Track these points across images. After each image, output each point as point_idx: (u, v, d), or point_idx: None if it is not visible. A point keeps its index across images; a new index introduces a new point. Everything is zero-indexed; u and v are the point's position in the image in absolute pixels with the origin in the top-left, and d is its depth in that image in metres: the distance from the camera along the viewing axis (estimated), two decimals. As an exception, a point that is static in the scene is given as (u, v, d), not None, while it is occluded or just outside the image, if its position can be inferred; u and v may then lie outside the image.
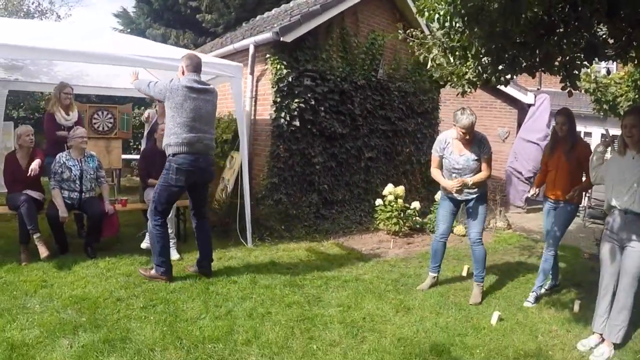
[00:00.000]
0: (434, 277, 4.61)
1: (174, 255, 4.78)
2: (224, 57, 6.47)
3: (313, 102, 6.32)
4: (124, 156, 8.98)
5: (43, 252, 4.39)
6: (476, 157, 4.12)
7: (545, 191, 4.48)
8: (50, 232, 4.79)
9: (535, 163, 8.98)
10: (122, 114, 8.09)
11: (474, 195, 4.21)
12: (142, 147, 7.07)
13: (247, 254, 5.23)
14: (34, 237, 4.42)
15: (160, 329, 3.28)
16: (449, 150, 4.21)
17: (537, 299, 4.35)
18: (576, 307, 4.21)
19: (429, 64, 4.76)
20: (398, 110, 7.70)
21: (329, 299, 4.17)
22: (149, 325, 3.32)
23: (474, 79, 4.75)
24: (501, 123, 10.65)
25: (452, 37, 4.19)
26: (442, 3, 3.56)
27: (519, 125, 10.18)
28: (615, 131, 3.84)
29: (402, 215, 6.82)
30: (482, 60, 4.10)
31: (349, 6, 6.54)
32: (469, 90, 5.05)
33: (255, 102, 6.27)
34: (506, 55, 3.89)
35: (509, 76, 4.53)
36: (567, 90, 3.97)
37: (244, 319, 3.57)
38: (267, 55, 6.06)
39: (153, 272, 4.17)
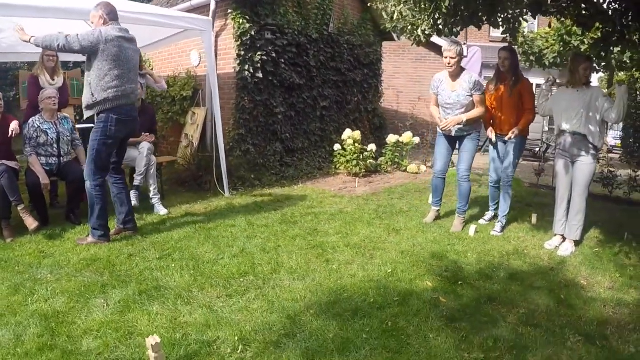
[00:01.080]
0: (437, 210, 4.85)
1: (162, 210, 4.72)
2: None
3: (274, 55, 6.37)
4: (78, 126, 8.32)
5: (31, 223, 4.01)
6: (467, 94, 4.30)
7: (486, 127, 4.63)
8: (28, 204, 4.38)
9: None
10: (71, 79, 7.48)
11: (466, 133, 4.45)
12: None
13: (230, 202, 5.29)
14: (19, 209, 4.01)
15: (188, 273, 3.31)
16: (442, 87, 4.44)
17: (503, 228, 4.59)
18: (534, 220, 4.84)
19: (395, 15, 5.02)
20: (347, 62, 7.97)
21: (325, 229, 4.43)
22: (174, 272, 3.31)
23: (429, 31, 5.10)
24: (435, 73, 11.31)
25: None
26: None
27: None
28: (540, 81, 4.35)
29: (361, 157, 7.19)
30: (441, 13, 4.41)
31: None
32: (424, 40, 5.42)
33: (217, 56, 6.15)
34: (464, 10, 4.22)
35: (459, 28, 4.89)
36: (508, 42, 4.47)
37: (259, 254, 3.72)
38: (229, 11, 6.00)
39: (90, 238, 3.86)
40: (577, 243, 4.14)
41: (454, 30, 5.04)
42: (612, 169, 6.42)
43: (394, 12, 5.13)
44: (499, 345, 2.57)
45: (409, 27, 5.24)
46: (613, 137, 17.21)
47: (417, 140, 7.96)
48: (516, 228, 4.66)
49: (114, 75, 3.69)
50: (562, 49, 7.39)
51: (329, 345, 2.48)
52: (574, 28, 6.88)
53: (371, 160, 7.51)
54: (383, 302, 2.98)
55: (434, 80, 4.54)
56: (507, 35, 5.13)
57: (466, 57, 10.32)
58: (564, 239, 4.18)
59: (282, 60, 6.54)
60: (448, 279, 3.39)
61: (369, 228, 4.51)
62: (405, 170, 7.77)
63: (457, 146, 4.59)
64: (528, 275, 3.56)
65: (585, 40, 6.98)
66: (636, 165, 7.91)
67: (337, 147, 7.27)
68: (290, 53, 6.66)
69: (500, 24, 4.77)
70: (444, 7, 4.17)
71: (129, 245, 3.83)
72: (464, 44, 11.58)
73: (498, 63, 4.46)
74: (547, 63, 7.91)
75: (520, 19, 4.83)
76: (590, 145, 3.93)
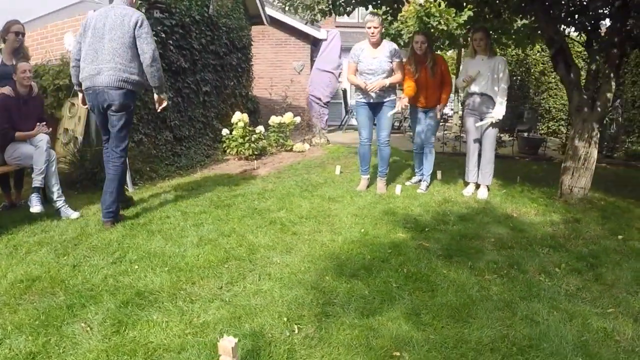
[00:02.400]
0: (367, 178, 4.94)
1: (73, 214, 3.82)
2: None
3: (163, 35, 5.67)
4: None
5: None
6: (388, 60, 4.47)
7: (413, 101, 4.83)
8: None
9: (331, 89, 10.07)
10: None
11: (385, 100, 4.60)
12: None
13: (141, 196, 4.55)
14: None
15: (163, 270, 2.86)
16: (363, 55, 4.50)
17: (428, 186, 4.93)
18: (439, 176, 5.39)
19: None
20: (224, 45, 7.56)
21: (265, 207, 4.19)
22: (145, 273, 2.83)
23: (326, 9, 5.32)
24: (296, 57, 11.43)
25: None
26: None
27: (312, 59, 11.11)
28: None
29: (252, 140, 6.94)
30: None
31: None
32: (321, 18, 5.60)
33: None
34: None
35: (351, 8, 5.31)
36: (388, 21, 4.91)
37: (222, 239, 3.32)
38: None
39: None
40: (488, 188, 4.73)
41: (347, 9, 5.28)
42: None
43: None
44: (500, 265, 2.92)
45: (311, 5, 5.38)
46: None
47: (298, 119, 8.00)
48: (431, 186, 5.03)
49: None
50: (419, 29, 8.14)
51: (374, 301, 2.41)
52: (432, 9, 7.63)
53: (261, 141, 7.30)
54: (382, 256, 3.01)
55: (354, 50, 4.60)
56: (388, 15, 5.53)
57: (326, 40, 10.75)
58: (477, 185, 4.73)
59: (170, 42, 5.87)
60: (415, 229, 3.60)
61: (306, 200, 4.42)
62: (291, 150, 7.76)
63: (375, 114, 4.75)
64: (472, 215, 3.98)
65: (441, 21, 7.79)
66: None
67: (225, 132, 6.89)
68: (177, 34, 6.01)
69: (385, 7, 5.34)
70: None
71: (60, 255, 3.01)
72: (319, 27, 11.94)
73: (414, 47, 4.65)
74: (402, 43, 8.60)
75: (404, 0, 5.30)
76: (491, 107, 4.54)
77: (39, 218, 3.70)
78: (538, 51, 10.69)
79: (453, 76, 6.11)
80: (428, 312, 2.29)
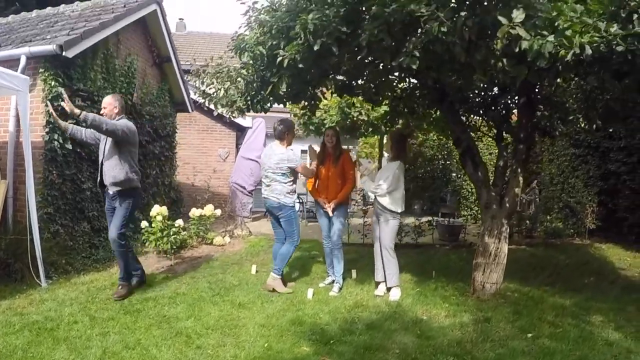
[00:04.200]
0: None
1: None
2: None
3: (83, 125, 5.98)
4: None
5: None
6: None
7: (316, 196, 5.41)
8: None
9: (255, 178, 10.58)
10: None
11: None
12: None
13: (53, 294, 4.70)
14: None
15: None
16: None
17: (341, 288, 5.27)
18: (354, 275, 5.80)
19: (221, 93, 5.60)
20: (147, 133, 7.98)
21: (174, 314, 4.41)
22: None
23: (244, 107, 5.75)
24: (221, 144, 12.03)
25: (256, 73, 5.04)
26: (290, 48, 4.09)
27: (237, 146, 11.71)
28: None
29: (170, 233, 7.18)
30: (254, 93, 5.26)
31: (116, 29, 6.52)
32: (237, 115, 6.10)
33: (18, 121, 5.45)
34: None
35: (267, 105, 5.68)
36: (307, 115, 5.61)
37: (125, 351, 3.53)
38: (40, 70, 5.46)
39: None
40: (402, 287, 5.17)
41: (265, 106, 5.62)
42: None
43: (220, 89, 5.65)
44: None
45: (228, 102, 5.76)
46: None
47: (218, 212, 8.38)
48: (344, 286, 5.41)
49: (136, 160, 4.83)
50: (341, 119, 8.99)
51: None
52: (353, 100, 8.49)
53: (180, 235, 7.54)
54: (283, 375, 3.33)
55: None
56: (307, 110, 6.16)
57: (251, 128, 11.46)
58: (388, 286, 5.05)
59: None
60: (320, 341, 3.87)
61: (216, 307, 4.70)
62: (211, 243, 8.06)
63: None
64: (380, 322, 4.32)
65: (362, 111, 8.66)
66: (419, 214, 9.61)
67: (144, 224, 7.11)
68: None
69: (304, 102, 5.83)
70: (281, 87, 4.73)
71: None
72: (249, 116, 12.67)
73: (325, 140, 5.35)
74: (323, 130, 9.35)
75: (320, 96, 5.89)
76: (387, 209, 4.96)
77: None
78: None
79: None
80: None
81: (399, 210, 5.03)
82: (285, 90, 4.56)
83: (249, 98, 5.37)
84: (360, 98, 8.44)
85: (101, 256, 6.27)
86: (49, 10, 8.02)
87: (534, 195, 8.63)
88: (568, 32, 2.96)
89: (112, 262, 6.22)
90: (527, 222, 8.69)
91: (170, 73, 8.70)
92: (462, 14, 3.25)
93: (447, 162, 12.55)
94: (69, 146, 5.76)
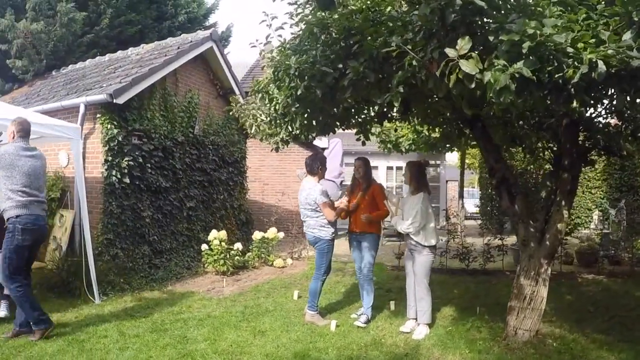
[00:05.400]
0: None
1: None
2: (48, 112, 6.62)
3: (140, 160, 6.93)
4: None
5: None
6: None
7: (349, 226, 5.50)
8: None
9: (333, 197, 10.92)
10: None
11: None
12: None
13: (101, 310, 5.49)
14: None
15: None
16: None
17: (369, 320, 5.26)
18: (392, 307, 5.78)
19: (252, 128, 5.98)
20: (212, 162, 8.78)
21: (194, 336, 4.89)
22: None
23: (287, 138, 5.93)
24: (299, 165, 12.68)
25: (277, 110, 5.33)
26: (281, 93, 4.45)
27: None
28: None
29: (227, 256, 7.81)
30: (296, 125, 5.27)
31: (172, 69, 7.41)
32: (282, 146, 6.30)
33: (84, 159, 6.50)
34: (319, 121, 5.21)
35: (315, 134, 5.71)
36: (361, 141, 5.47)
37: (132, 367, 4.08)
38: (98, 115, 6.48)
39: (37, 333, 4.45)
40: (431, 324, 5.04)
41: (310, 136, 5.69)
42: (466, 245, 7.63)
43: (252, 125, 6.02)
44: None
45: (267, 136, 6.06)
46: (474, 205, 19.14)
47: (281, 235, 8.85)
48: (376, 316, 5.45)
49: (8, 187, 4.33)
50: (415, 136, 9.01)
51: None
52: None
53: (238, 257, 8.15)
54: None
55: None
56: (361, 135, 6.15)
57: (327, 148, 11.89)
58: (418, 322, 4.93)
59: (149, 165, 7.13)
60: None
61: (236, 332, 5.05)
62: (272, 265, 8.55)
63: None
64: None
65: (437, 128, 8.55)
66: (495, 232, 8.89)
67: (204, 247, 7.81)
68: (157, 157, 7.30)
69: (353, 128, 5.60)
70: (295, 126, 4.95)
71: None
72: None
73: (354, 170, 5.44)
74: (403, 149, 9.46)
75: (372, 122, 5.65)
76: (420, 244, 4.86)
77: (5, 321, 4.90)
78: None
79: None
80: None
81: (433, 244, 4.94)
82: (298, 127, 4.78)
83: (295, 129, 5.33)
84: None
85: (159, 276, 7.07)
86: (118, 54, 9.34)
87: (620, 216, 7.69)
88: (577, 46, 2.68)
89: (169, 282, 6.98)
90: (612, 247, 7.78)
91: (236, 103, 9.42)
92: (431, 45, 3.11)
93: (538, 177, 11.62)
94: (127, 180, 6.67)
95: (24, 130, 4.48)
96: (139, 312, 5.57)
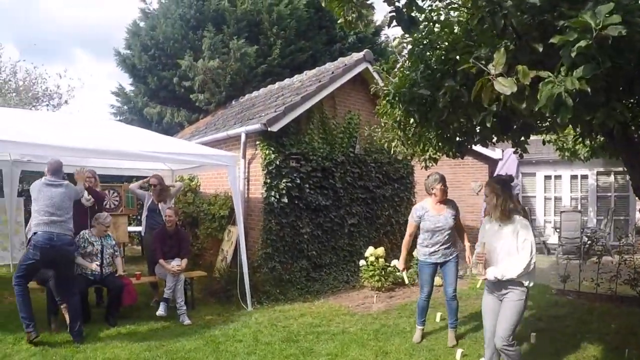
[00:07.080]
0: (422, 329, 5.64)
1: (186, 321, 5.98)
2: (218, 140, 8.09)
3: (299, 181, 7.71)
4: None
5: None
6: (453, 215, 5.35)
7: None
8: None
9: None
10: (127, 192, 9.42)
11: (450, 257, 5.40)
12: (143, 225, 7.59)
13: (249, 317, 6.40)
14: (62, 307, 5.39)
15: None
16: (429, 214, 5.40)
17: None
18: (532, 339, 5.29)
19: (392, 150, 6.13)
20: (375, 179, 9.12)
21: (319, 350, 5.30)
22: None
23: (434, 155, 5.86)
24: (474, 177, 12.25)
25: (406, 131, 5.37)
26: (396, 108, 4.51)
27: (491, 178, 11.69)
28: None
29: (383, 272, 8.05)
30: (437, 143, 5.15)
31: (327, 94, 8.08)
32: (430, 164, 6.26)
33: (248, 182, 7.64)
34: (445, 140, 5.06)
35: (463, 150, 5.31)
36: (518, 154, 5.06)
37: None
38: (257, 142, 7.52)
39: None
40: None
41: (458, 152, 5.29)
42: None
43: (390, 147, 6.14)
44: None
45: (415, 156, 6.07)
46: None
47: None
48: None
49: (33, 209, 5.19)
50: (592, 143, 7.65)
51: None
52: None
53: (397, 274, 8.29)
54: None
55: (415, 210, 5.49)
56: (517, 148, 5.63)
57: (501, 159, 11.16)
58: None
59: (307, 185, 7.85)
60: None
61: (360, 350, 5.28)
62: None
63: (441, 270, 5.49)
64: None
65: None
66: None
67: (362, 262, 8.20)
68: (316, 177, 7.99)
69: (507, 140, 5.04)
70: (420, 147, 5.05)
71: (145, 350, 5.04)
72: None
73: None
74: (582, 157, 8.20)
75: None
76: (515, 280, 3.78)
77: (162, 319, 6.01)
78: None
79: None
80: None
81: (531, 284, 3.84)
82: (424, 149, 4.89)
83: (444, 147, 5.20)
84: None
85: (315, 289, 7.72)
86: (285, 81, 10.45)
87: None
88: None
89: (324, 295, 7.59)
90: None
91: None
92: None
93: None
94: (285, 200, 7.53)
95: (51, 168, 5.33)
96: (281, 321, 6.27)
